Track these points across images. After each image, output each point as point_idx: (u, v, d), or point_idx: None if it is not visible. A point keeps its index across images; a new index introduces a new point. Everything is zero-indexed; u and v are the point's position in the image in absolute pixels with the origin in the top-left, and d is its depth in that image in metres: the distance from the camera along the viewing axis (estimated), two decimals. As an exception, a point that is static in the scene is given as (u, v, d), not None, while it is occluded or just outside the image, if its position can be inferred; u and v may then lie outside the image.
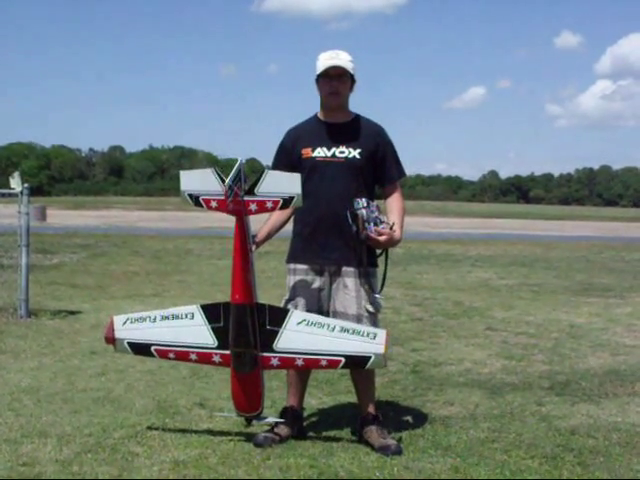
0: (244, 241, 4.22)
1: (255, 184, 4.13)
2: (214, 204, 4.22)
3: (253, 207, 4.15)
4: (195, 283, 12.37)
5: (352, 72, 4.54)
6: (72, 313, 9.09)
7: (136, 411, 5.10)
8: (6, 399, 5.33)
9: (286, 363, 4.34)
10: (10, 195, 9.16)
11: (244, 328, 4.26)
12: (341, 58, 4.51)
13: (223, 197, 4.11)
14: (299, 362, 4.29)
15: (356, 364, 4.26)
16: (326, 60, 4.52)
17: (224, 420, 4.84)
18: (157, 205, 60.71)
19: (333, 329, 4.21)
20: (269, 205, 4.13)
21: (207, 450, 4.32)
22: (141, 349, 4.58)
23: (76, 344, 7.33)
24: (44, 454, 4.22)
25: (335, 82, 4.52)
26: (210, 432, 4.66)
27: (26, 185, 8.95)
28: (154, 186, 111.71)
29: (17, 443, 4.39)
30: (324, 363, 4.25)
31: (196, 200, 4.29)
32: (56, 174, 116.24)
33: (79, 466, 4.04)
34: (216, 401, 5.32)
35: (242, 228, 4.19)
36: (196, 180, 4.26)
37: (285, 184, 4.12)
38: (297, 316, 4.30)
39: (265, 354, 4.32)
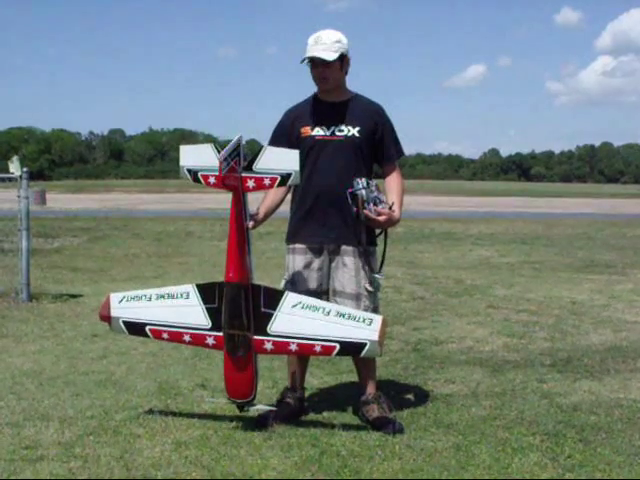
0: (240, 218, 4.15)
1: (253, 160, 4.09)
2: (212, 180, 4.19)
3: (251, 184, 4.10)
4: (196, 265, 12.35)
5: (336, 55, 4.43)
6: (73, 296, 9.09)
7: (138, 393, 5.11)
8: (8, 382, 5.34)
9: (280, 348, 4.20)
10: (10, 180, 9.16)
11: (237, 309, 4.18)
12: (324, 42, 4.43)
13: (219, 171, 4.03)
14: (293, 347, 4.16)
15: (351, 351, 4.14)
16: (310, 47, 4.46)
17: (225, 400, 4.84)
18: (157, 187, 60.65)
19: (328, 313, 4.09)
20: (267, 182, 4.08)
21: (209, 431, 4.33)
22: (136, 329, 4.50)
23: (77, 327, 7.34)
24: (46, 437, 4.23)
25: (320, 68, 4.48)
26: (212, 413, 4.66)
27: (25, 169, 8.94)
28: (154, 169, 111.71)
29: (19, 426, 4.40)
30: (318, 349, 4.11)
31: (194, 175, 4.27)
32: (56, 158, 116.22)
33: (81, 448, 4.05)
34: (218, 382, 5.31)
35: (239, 205, 4.13)
36: (195, 155, 4.23)
37: (283, 161, 4.06)
38: (292, 298, 4.18)
39: (259, 337, 4.21)
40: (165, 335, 4.45)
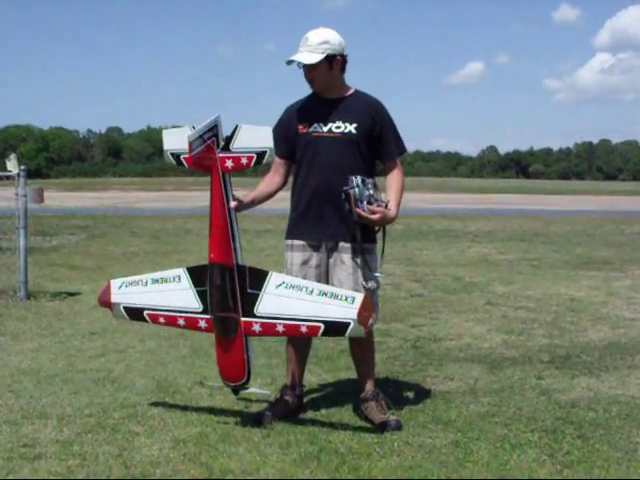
0: (221, 198, 4.13)
1: (229, 140, 4.08)
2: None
3: (229, 164, 4.09)
4: (194, 262, 12.26)
5: (320, 57, 4.39)
6: (71, 294, 9.09)
7: (136, 391, 5.11)
8: (6, 381, 5.34)
9: (267, 329, 4.13)
10: (8, 178, 9.14)
11: (221, 290, 4.15)
12: (310, 43, 4.41)
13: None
14: (280, 328, 4.09)
15: (335, 331, 4.00)
16: (298, 48, 4.46)
17: (224, 398, 4.85)
18: (156, 185, 60.57)
19: (311, 292, 4.00)
20: (244, 161, 4.07)
21: (207, 428, 4.33)
22: (135, 314, 4.53)
23: (76, 325, 7.33)
24: (45, 435, 4.22)
25: (305, 72, 4.49)
26: (210, 410, 4.66)
27: (23, 167, 8.93)
28: (152, 166, 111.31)
29: (17, 424, 4.40)
30: (304, 330, 4.02)
31: (177, 159, 4.27)
32: (54, 156, 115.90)
33: (80, 446, 4.05)
34: (216, 380, 5.31)
35: (218, 185, 4.11)
36: (178, 139, 4.18)
37: (257, 139, 4.05)
38: (276, 279, 4.12)
39: (247, 319, 4.16)
40: (162, 319, 4.46)
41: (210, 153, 4.08)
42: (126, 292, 4.54)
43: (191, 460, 3.86)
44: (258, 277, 4.15)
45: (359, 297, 3.96)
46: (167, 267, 11.79)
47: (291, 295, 4.05)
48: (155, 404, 4.80)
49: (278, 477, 3.68)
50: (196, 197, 34.72)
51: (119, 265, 12.14)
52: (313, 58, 4.40)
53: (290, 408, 4.61)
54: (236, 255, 4.21)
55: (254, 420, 4.40)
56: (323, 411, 4.71)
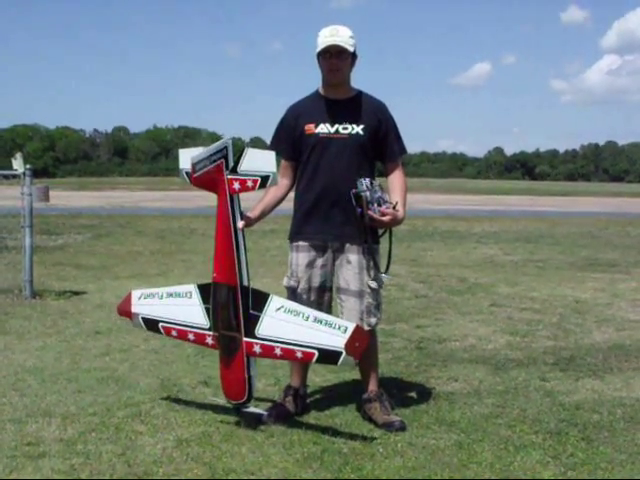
0: (227, 219, 4.17)
1: (237, 162, 4.11)
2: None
3: (236, 185, 4.12)
4: (199, 262, 12.33)
5: (352, 49, 4.48)
6: (76, 293, 9.10)
7: (140, 390, 5.11)
8: (11, 379, 5.35)
9: (266, 351, 4.14)
10: (14, 177, 9.15)
11: (224, 309, 4.20)
12: (341, 35, 4.45)
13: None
14: (277, 351, 4.09)
15: (328, 359, 3.97)
16: (325, 37, 4.45)
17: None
18: (161, 185, 60.61)
19: (307, 318, 4.00)
20: (249, 184, 4.10)
21: (211, 428, 4.33)
22: (152, 325, 4.66)
23: (80, 324, 7.34)
24: (49, 433, 4.23)
25: (335, 59, 4.47)
26: (214, 410, 4.66)
27: (28, 166, 8.95)
28: (158, 166, 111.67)
29: (22, 423, 4.40)
30: (299, 355, 4.01)
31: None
32: (60, 155, 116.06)
33: (83, 445, 4.05)
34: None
35: (225, 205, 4.16)
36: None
37: (261, 163, 4.07)
38: (276, 302, 4.14)
39: (248, 339, 4.18)
40: (174, 333, 4.57)
41: (219, 174, 4.12)
42: (145, 303, 4.65)
43: (194, 460, 3.86)
44: (260, 299, 4.18)
45: (351, 327, 3.91)
46: (172, 267, 11.86)
47: (289, 320, 4.07)
48: (159, 403, 4.80)
49: (281, 477, 3.68)
50: (202, 197, 34.73)
51: (124, 264, 12.16)
52: (349, 47, 4.45)
53: (293, 409, 4.62)
54: (241, 275, 4.22)
55: (257, 420, 4.39)
56: (326, 412, 4.70)
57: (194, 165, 4.01)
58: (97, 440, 4.14)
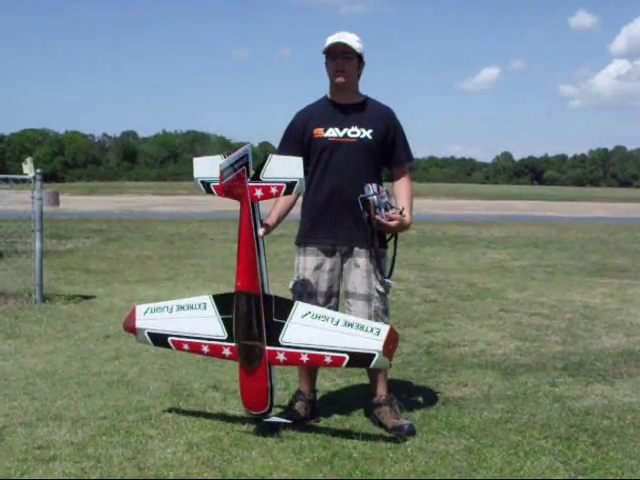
0: (250, 227, 4.14)
1: (260, 169, 4.10)
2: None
3: (259, 193, 4.11)
4: (209, 267, 12.36)
5: (359, 52, 4.51)
6: (86, 298, 9.13)
7: (150, 394, 5.13)
8: (21, 383, 5.37)
9: (292, 359, 4.14)
10: (24, 181, 9.19)
11: (247, 318, 4.16)
12: (347, 37, 4.50)
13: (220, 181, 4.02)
14: (304, 358, 4.09)
15: (360, 362, 4.01)
16: (332, 39, 4.51)
17: (238, 402, 4.84)
18: (170, 190, 60.74)
19: (337, 323, 4.01)
20: (274, 191, 4.08)
21: (220, 432, 4.34)
22: (159, 340, 4.56)
23: (90, 328, 7.36)
24: (59, 437, 4.25)
25: (340, 60, 4.50)
26: (224, 414, 4.67)
27: (39, 171, 8.99)
28: (167, 171, 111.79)
29: (32, 426, 4.42)
30: (329, 360, 4.03)
31: (207, 187, 4.28)
32: (70, 160, 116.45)
33: (94, 449, 4.07)
34: (230, 384, 5.32)
35: (247, 213, 4.12)
36: (208, 167, 4.21)
37: (288, 168, 4.06)
38: (302, 308, 4.14)
39: (271, 348, 4.18)
40: (185, 346, 4.48)
41: (240, 182, 4.12)
42: (151, 318, 4.57)
43: (204, 464, 3.87)
44: (284, 306, 4.17)
45: (385, 329, 3.96)
46: (181, 271, 11.89)
47: (317, 325, 4.06)
48: (169, 407, 4.81)
49: (291, 481, 3.69)
50: (211, 202, 34.78)
51: (133, 269, 12.19)
52: (355, 46, 4.48)
53: (303, 413, 4.62)
54: (263, 284, 4.21)
55: (267, 425, 4.40)
56: (336, 416, 4.71)
57: (222, 172, 3.96)
58: (107, 444, 4.15)
